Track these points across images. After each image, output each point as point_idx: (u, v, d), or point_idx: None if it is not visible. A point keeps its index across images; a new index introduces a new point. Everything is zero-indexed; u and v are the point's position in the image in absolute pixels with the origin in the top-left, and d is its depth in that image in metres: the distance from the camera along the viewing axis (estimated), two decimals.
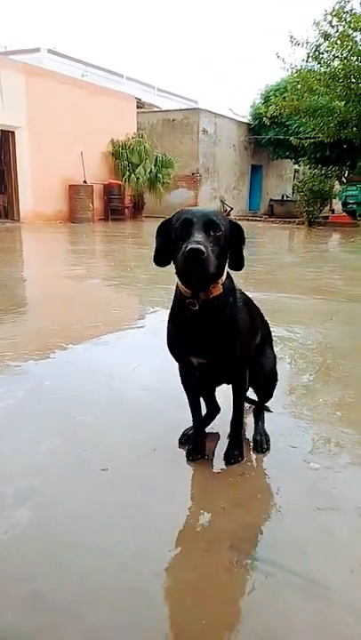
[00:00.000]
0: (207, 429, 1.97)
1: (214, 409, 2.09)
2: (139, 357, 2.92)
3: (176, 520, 1.48)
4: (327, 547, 1.37)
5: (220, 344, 1.62)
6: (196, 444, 1.86)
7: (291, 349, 3.17)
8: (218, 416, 2.07)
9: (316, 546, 1.37)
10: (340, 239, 12.55)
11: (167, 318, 1.74)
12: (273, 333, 3.46)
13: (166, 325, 1.75)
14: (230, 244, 1.53)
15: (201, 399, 1.92)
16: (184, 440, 1.93)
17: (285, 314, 4.18)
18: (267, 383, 2.03)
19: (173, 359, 1.79)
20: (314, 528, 1.44)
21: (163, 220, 1.57)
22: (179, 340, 1.69)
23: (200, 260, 1.35)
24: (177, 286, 1.60)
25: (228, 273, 1.61)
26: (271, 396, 2.06)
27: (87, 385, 2.48)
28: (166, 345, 1.77)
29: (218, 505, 1.56)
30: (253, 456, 1.85)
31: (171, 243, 1.49)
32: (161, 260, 1.57)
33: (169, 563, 1.31)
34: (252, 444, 1.91)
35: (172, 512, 1.52)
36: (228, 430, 1.87)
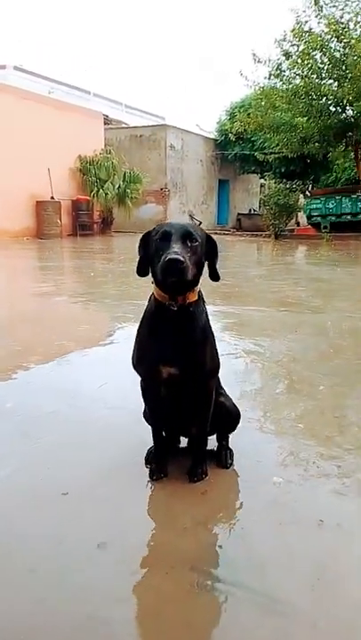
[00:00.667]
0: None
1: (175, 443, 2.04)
2: (104, 375, 2.89)
3: (137, 543, 1.46)
4: (288, 563, 1.37)
5: (193, 349, 1.65)
6: (158, 462, 1.84)
7: (257, 362, 3.20)
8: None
9: (278, 562, 1.37)
10: (306, 251, 12.83)
11: (136, 331, 1.74)
12: (239, 347, 3.52)
13: (135, 337, 1.75)
14: (207, 254, 1.64)
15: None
16: (149, 459, 1.92)
17: (251, 327, 4.23)
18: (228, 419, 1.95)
19: (138, 373, 1.77)
20: (275, 544, 1.44)
21: (143, 233, 1.65)
22: (150, 348, 1.68)
23: (178, 269, 1.45)
24: (152, 295, 1.66)
25: None
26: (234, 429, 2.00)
27: (50, 405, 2.43)
28: (133, 359, 1.76)
29: (180, 525, 1.54)
30: (217, 472, 1.84)
31: (151, 254, 1.57)
32: (143, 270, 1.65)
33: (129, 588, 1.28)
34: (215, 460, 1.90)
35: (133, 535, 1.49)
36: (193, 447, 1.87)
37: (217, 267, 1.68)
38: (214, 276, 1.70)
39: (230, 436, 1.99)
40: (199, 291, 1.67)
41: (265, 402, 2.57)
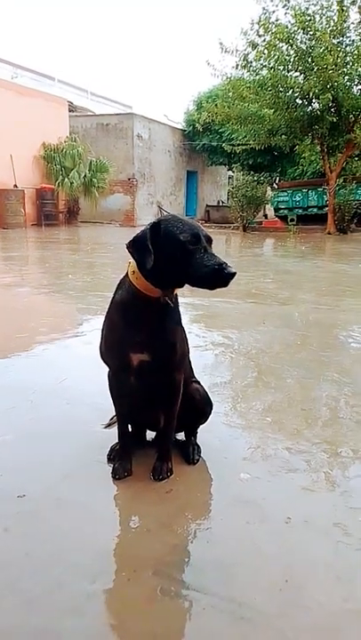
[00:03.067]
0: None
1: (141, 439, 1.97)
2: (66, 370, 2.78)
3: (97, 547, 1.37)
4: (255, 564, 1.32)
5: (166, 335, 1.61)
6: (122, 460, 1.76)
7: (225, 354, 3.15)
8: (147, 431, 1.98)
9: (245, 564, 1.32)
10: (273, 243, 12.90)
11: (105, 319, 1.66)
12: (207, 339, 3.47)
13: (104, 325, 1.68)
14: None
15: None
16: (112, 456, 1.83)
17: (219, 319, 4.18)
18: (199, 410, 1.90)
19: (106, 362, 1.70)
20: (242, 544, 1.39)
21: (150, 226, 1.50)
22: (121, 335, 1.61)
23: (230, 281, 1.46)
24: (126, 284, 1.57)
25: None
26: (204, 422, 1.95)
27: (7, 402, 2.30)
28: (101, 347, 1.69)
29: (143, 527, 1.47)
30: (183, 469, 1.77)
31: (166, 249, 1.47)
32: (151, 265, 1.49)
33: (87, 597, 1.20)
34: (182, 455, 1.84)
35: (93, 539, 1.41)
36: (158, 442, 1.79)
37: None
38: None
39: (198, 430, 1.93)
40: None
41: (233, 395, 2.52)
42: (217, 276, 1.46)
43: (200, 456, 1.85)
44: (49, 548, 1.36)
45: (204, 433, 1.95)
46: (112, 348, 1.66)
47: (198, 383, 1.91)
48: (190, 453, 1.85)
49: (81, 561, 1.32)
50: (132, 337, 1.59)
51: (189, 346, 1.82)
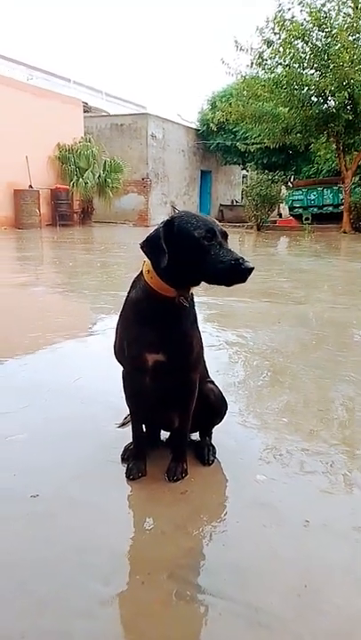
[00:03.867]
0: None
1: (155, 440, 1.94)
2: (80, 369, 2.77)
3: (111, 549, 1.35)
4: (272, 568, 1.29)
5: (182, 335, 1.58)
6: (136, 460, 1.74)
7: (239, 354, 3.11)
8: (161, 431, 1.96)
9: (262, 568, 1.28)
10: (288, 242, 12.80)
11: (119, 319, 1.65)
12: (221, 338, 3.43)
13: (118, 325, 1.66)
14: None
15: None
16: (126, 456, 1.81)
17: (234, 318, 4.14)
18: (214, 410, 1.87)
19: (120, 362, 1.68)
20: (258, 548, 1.36)
21: (164, 224, 1.47)
22: (137, 335, 1.58)
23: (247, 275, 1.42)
24: (141, 283, 1.55)
25: None
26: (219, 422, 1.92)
27: (21, 401, 2.30)
28: (115, 347, 1.68)
29: (158, 529, 1.44)
30: (198, 470, 1.75)
31: (181, 247, 1.44)
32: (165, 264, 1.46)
33: (100, 600, 1.18)
34: (196, 456, 1.81)
35: (107, 540, 1.39)
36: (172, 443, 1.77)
37: None
38: None
39: (213, 431, 1.91)
40: None
41: (248, 395, 2.49)
42: (234, 272, 1.42)
43: (215, 457, 1.82)
44: (61, 549, 1.34)
45: (220, 433, 1.92)
46: (127, 348, 1.64)
47: (213, 383, 1.88)
48: (205, 454, 1.82)
49: (94, 563, 1.30)
50: (146, 336, 1.56)
51: (203, 345, 1.79)
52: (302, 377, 2.71)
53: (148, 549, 1.36)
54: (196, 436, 1.91)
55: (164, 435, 1.94)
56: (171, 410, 1.73)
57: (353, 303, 4.85)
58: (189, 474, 1.70)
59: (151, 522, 1.48)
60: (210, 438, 1.89)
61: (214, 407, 1.84)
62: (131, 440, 1.79)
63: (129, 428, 1.81)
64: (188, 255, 1.45)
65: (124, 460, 1.79)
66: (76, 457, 1.82)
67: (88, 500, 1.57)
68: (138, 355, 1.59)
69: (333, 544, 1.39)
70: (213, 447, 1.86)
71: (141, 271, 1.56)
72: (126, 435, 1.82)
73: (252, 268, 1.41)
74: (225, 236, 1.50)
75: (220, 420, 1.89)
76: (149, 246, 1.48)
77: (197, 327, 1.67)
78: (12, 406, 2.25)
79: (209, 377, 1.89)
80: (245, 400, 2.41)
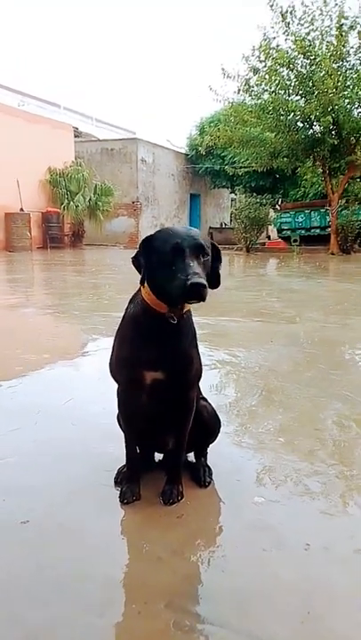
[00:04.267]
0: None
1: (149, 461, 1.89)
2: (71, 390, 2.72)
3: (106, 577, 1.29)
4: (274, 595, 1.23)
5: (180, 354, 1.55)
6: (130, 483, 1.69)
7: (233, 373, 3.08)
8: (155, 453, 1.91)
9: (263, 595, 1.23)
10: (277, 264, 12.91)
11: (116, 335, 1.62)
12: (213, 357, 3.40)
13: (115, 341, 1.63)
14: (211, 261, 1.51)
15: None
16: (119, 479, 1.76)
17: (226, 337, 4.12)
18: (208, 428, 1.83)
19: (116, 379, 1.65)
20: (259, 573, 1.30)
21: (143, 239, 1.49)
22: (134, 352, 1.55)
23: (200, 293, 1.34)
24: (138, 299, 1.54)
25: None
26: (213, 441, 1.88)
27: (11, 424, 2.24)
28: (111, 365, 1.65)
29: (154, 555, 1.38)
30: (194, 493, 1.70)
31: (154, 264, 1.44)
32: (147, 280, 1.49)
33: (94, 632, 1.12)
34: (192, 477, 1.76)
35: (101, 568, 1.33)
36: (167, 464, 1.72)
37: (220, 271, 1.56)
38: (215, 283, 1.53)
39: (208, 451, 1.86)
40: None
41: (242, 414, 2.45)
42: (183, 289, 1.34)
43: (211, 478, 1.77)
44: (53, 578, 1.28)
45: (215, 454, 1.87)
46: (123, 364, 1.60)
47: (206, 400, 1.85)
48: (201, 476, 1.77)
49: (88, 592, 1.24)
50: (144, 353, 1.53)
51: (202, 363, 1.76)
52: (297, 396, 2.68)
53: (144, 577, 1.30)
54: (191, 457, 1.86)
55: (158, 456, 1.89)
56: (166, 429, 1.69)
57: (344, 322, 4.87)
58: (185, 496, 1.65)
59: (147, 547, 1.42)
60: (205, 459, 1.84)
61: (208, 424, 1.80)
62: (124, 462, 1.74)
63: (122, 450, 1.75)
64: (157, 270, 1.44)
65: (117, 483, 1.73)
66: (68, 480, 1.76)
67: (81, 526, 1.51)
68: (135, 371, 1.55)
69: (335, 568, 1.34)
70: (209, 468, 1.82)
71: (139, 287, 1.55)
72: (119, 457, 1.77)
73: (199, 284, 1.32)
74: (197, 248, 1.41)
75: (215, 439, 1.84)
76: (134, 262, 1.51)
77: (196, 345, 1.64)
78: (1, 429, 2.19)
79: (202, 394, 1.85)
80: (240, 420, 2.38)
